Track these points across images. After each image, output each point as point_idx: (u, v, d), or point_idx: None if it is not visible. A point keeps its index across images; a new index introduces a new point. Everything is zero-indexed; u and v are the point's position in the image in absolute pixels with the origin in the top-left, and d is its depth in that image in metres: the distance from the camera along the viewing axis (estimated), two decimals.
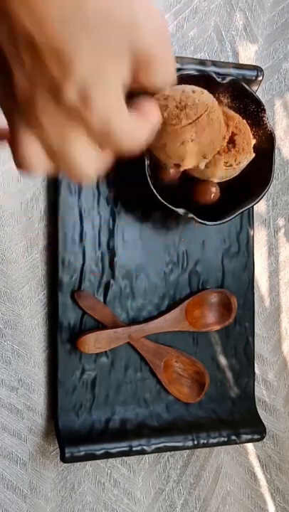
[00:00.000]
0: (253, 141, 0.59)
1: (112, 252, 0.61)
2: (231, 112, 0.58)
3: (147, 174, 0.55)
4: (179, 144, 0.52)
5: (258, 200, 0.58)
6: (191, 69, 0.58)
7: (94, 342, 0.59)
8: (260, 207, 0.70)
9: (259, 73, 0.64)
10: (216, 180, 0.59)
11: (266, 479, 0.70)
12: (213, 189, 0.59)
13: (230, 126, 0.56)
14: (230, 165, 0.56)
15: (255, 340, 0.68)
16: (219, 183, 0.59)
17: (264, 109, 0.59)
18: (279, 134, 0.71)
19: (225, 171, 0.57)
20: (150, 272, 0.62)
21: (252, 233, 0.66)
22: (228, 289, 0.65)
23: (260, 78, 0.64)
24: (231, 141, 0.56)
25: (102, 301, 0.60)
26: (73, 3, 0.25)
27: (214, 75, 0.58)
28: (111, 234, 0.61)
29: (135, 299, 0.62)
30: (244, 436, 0.64)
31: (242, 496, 0.69)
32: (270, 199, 0.71)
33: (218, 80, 0.58)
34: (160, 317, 0.62)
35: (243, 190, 0.59)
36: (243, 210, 0.58)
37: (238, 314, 0.65)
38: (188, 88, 0.54)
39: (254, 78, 0.64)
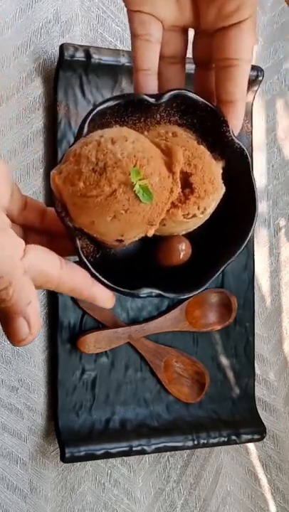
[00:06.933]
0: (221, 163, 0.43)
1: None
2: (175, 146, 0.40)
3: (82, 255, 0.39)
4: (110, 219, 0.37)
5: (243, 246, 0.45)
6: (192, 69, 0.53)
7: (94, 342, 0.59)
8: (261, 207, 0.70)
9: (259, 73, 0.64)
10: (181, 233, 0.43)
11: (266, 479, 0.70)
12: (182, 246, 0.44)
13: (176, 168, 0.39)
14: (194, 215, 0.41)
15: (256, 340, 0.68)
16: (189, 233, 0.43)
17: (225, 121, 0.42)
18: (279, 134, 0.71)
19: (187, 223, 0.42)
20: None
21: (252, 233, 0.66)
22: (228, 289, 0.65)
23: (260, 78, 0.64)
24: (187, 185, 0.40)
25: None
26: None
27: (146, 97, 0.41)
28: None
29: (135, 299, 0.62)
30: (244, 436, 0.64)
31: (242, 495, 0.69)
32: (270, 199, 0.71)
33: (152, 101, 0.41)
34: (160, 317, 0.62)
35: (225, 231, 0.45)
36: (227, 263, 0.44)
37: (238, 314, 0.65)
38: (107, 136, 0.37)
39: (254, 78, 0.64)
